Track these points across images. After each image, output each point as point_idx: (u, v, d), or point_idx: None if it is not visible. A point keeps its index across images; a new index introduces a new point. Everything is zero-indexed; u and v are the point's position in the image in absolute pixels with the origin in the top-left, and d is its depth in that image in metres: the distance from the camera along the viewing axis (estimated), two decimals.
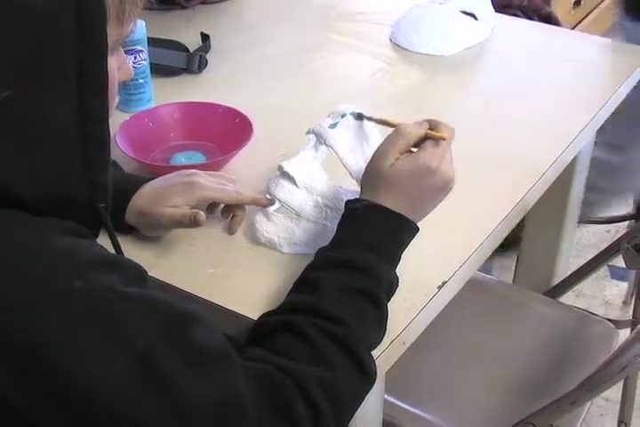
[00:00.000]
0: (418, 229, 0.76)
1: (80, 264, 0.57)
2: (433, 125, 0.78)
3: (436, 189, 0.76)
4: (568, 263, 1.49)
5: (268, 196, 0.87)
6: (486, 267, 1.63)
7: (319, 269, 0.73)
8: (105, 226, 0.65)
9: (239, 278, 0.83)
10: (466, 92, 1.20)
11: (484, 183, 0.97)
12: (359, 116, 0.85)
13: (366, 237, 0.74)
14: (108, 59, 0.59)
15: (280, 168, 0.86)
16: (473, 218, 0.92)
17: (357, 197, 0.79)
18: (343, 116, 0.86)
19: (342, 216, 0.77)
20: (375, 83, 1.21)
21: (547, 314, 1.26)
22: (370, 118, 0.85)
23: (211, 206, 0.89)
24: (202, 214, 0.81)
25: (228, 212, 0.89)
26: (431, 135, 0.76)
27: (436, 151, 0.75)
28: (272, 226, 0.86)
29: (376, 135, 0.86)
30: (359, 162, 0.84)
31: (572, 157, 1.12)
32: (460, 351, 1.17)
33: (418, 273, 0.82)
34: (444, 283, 0.82)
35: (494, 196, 0.95)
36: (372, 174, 0.77)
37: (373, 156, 0.78)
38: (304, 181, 0.85)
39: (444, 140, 0.76)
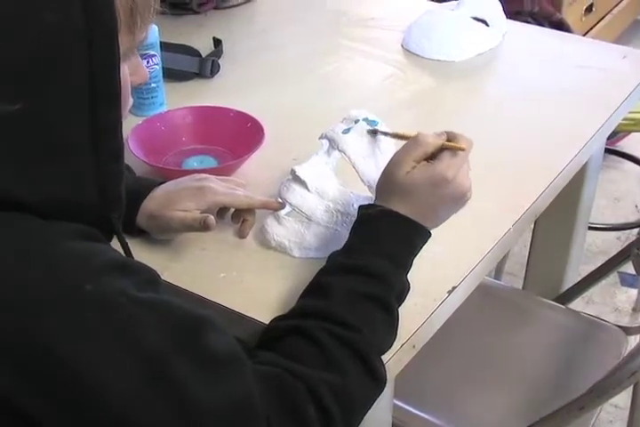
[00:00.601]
0: (430, 234, 0.77)
1: (93, 268, 0.57)
2: (451, 137, 0.78)
3: (451, 199, 0.76)
4: (578, 269, 1.49)
5: (280, 199, 0.88)
6: (496, 272, 1.62)
7: (331, 274, 0.73)
8: (116, 235, 0.65)
9: (250, 282, 0.83)
10: (477, 97, 1.20)
11: (495, 188, 0.97)
12: (373, 132, 0.85)
13: (379, 244, 0.74)
14: (121, 66, 0.59)
15: (292, 172, 0.87)
16: (483, 223, 0.92)
17: (369, 202, 0.80)
18: (357, 121, 0.87)
19: (355, 222, 0.78)
20: (386, 88, 1.21)
21: (556, 320, 1.26)
22: (385, 133, 0.85)
23: (221, 211, 0.89)
24: (212, 219, 0.82)
25: (239, 216, 0.90)
26: (449, 146, 0.77)
27: (454, 162, 0.76)
28: (282, 229, 0.87)
29: (389, 142, 0.86)
30: (371, 168, 0.84)
31: (583, 162, 1.12)
32: (470, 356, 1.17)
33: (428, 278, 0.82)
34: (454, 288, 0.82)
35: (505, 201, 0.96)
36: (387, 181, 0.77)
37: (389, 162, 0.78)
38: (316, 185, 0.86)
39: (462, 151, 0.76)
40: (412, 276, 0.75)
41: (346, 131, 0.86)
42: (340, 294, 0.70)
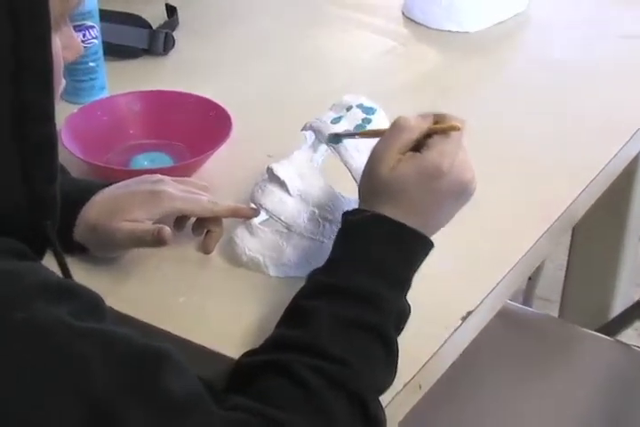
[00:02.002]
0: (432, 244, 0.79)
1: (23, 292, 0.59)
2: (439, 118, 0.79)
3: (452, 193, 0.78)
4: (628, 293, 1.51)
5: (253, 205, 0.90)
6: (525, 296, 1.64)
7: (311, 297, 0.75)
8: (51, 246, 0.66)
9: (216, 308, 0.85)
10: (497, 78, 1.23)
11: (518, 191, 1.00)
12: (334, 138, 0.87)
13: (368, 257, 0.76)
14: (52, 38, 0.60)
15: (269, 171, 0.89)
16: (504, 233, 0.94)
17: None
18: (349, 108, 0.89)
19: (339, 231, 0.80)
20: (385, 67, 1.24)
21: (601, 355, 1.28)
22: (351, 135, 0.87)
23: (180, 220, 0.91)
24: (168, 230, 0.84)
25: (202, 227, 0.92)
26: (437, 129, 0.78)
27: (447, 147, 0.77)
28: (256, 242, 0.89)
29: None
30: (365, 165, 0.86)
31: (631, 158, 1.14)
32: (494, 399, 1.18)
33: (435, 301, 0.84)
34: (469, 313, 0.84)
35: (531, 206, 0.98)
36: (370, 180, 0.78)
37: (370, 158, 0.79)
38: (298, 187, 0.88)
39: (455, 130, 0.77)
40: (416, 298, 0.77)
41: (336, 120, 0.88)
42: (325, 321, 0.72)
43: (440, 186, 0.76)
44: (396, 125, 0.78)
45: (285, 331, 0.74)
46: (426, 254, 0.78)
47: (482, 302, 0.86)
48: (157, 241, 0.84)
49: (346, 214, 0.80)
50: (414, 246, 0.77)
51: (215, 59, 1.25)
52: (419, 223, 0.77)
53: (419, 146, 0.78)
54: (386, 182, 0.77)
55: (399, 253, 0.76)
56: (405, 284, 0.76)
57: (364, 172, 0.80)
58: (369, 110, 0.89)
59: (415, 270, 0.77)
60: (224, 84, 1.17)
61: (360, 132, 0.87)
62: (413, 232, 0.77)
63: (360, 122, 0.88)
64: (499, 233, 0.94)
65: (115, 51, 1.24)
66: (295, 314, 0.75)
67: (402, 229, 0.76)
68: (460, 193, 0.78)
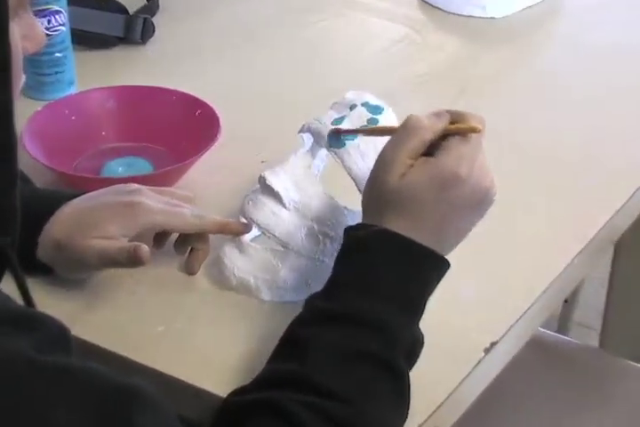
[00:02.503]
0: (448, 264, 0.79)
1: None
2: (456, 117, 0.79)
3: (470, 203, 0.78)
4: None
5: (243, 219, 0.91)
6: (560, 322, 1.64)
7: (309, 324, 0.76)
8: (10, 266, 0.67)
9: (200, 339, 0.86)
10: (525, 69, 1.24)
11: (550, 201, 1.01)
12: (336, 141, 0.87)
13: (373, 279, 0.76)
14: (9, 26, 0.60)
15: (261, 180, 0.89)
16: (534, 251, 0.95)
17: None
18: (353, 107, 0.89)
19: (340, 249, 0.80)
20: (396, 58, 1.24)
21: None
22: (354, 132, 0.87)
23: (159, 237, 0.92)
24: (145, 249, 0.84)
25: (185, 244, 0.92)
26: (454, 130, 0.78)
27: (465, 151, 0.77)
28: (247, 262, 0.89)
29: None
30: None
31: None
32: None
33: (453, 330, 0.85)
34: (493, 345, 0.84)
35: (564, 221, 0.99)
36: (377, 190, 0.79)
37: (376, 164, 0.80)
38: (294, 198, 0.89)
39: (473, 132, 0.78)
40: (430, 327, 0.77)
41: (337, 121, 0.89)
42: (324, 352, 0.72)
43: (457, 195, 0.77)
44: (407, 126, 0.79)
45: (279, 365, 0.75)
46: (441, 276, 0.78)
47: (508, 332, 0.86)
48: (133, 261, 0.84)
49: (348, 230, 0.80)
50: (427, 267, 0.77)
51: (201, 49, 1.26)
52: (432, 239, 0.77)
53: (432, 149, 0.78)
54: (394, 191, 0.77)
55: (410, 274, 0.77)
56: (417, 310, 0.77)
57: (370, 179, 0.80)
58: (375, 109, 0.89)
59: (429, 294, 0.78)
60: (211, 79, 1.17)
61: (366, 130, 0.87)
62: (426, 250, 0.77)
63: (365, 123, 0.88)
64: (527, 251, 0.94)
65: (85, 39, 1.25)
66: (290, 345, 0.76)
67: (412, 247, 0.77)
68: (479, 202, 0.79)
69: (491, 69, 1.23)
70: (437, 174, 0.76)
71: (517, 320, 0.87)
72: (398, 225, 0.77)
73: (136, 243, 0.84)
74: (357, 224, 0.80)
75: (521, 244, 0.95)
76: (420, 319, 0.77)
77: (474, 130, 0.78)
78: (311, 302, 0.78)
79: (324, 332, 0.74)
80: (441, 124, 0.79)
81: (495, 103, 1.14)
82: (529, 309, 0.89)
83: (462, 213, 0.78)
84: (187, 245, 0.92)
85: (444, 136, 0.78)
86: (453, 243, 0.80)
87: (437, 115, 0.80)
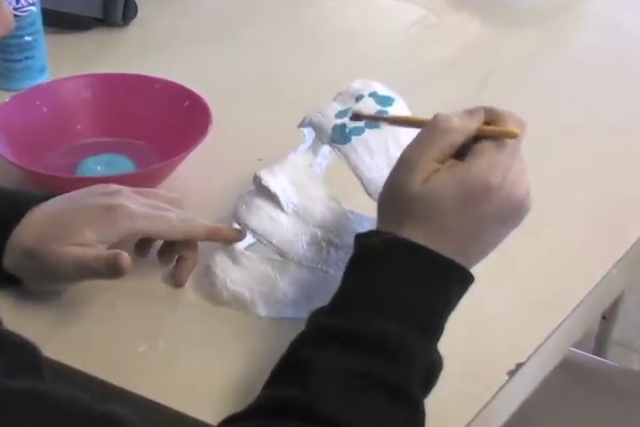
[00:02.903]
0: (472, 278, 0.79)
1: None
2: (492, 117, 0.79)
3: (501, 215, 0.78)
4: None
5: (236, 225, 0.91)
6: (597, 341, 1.64)
7: (313, 345, 0.75)
8: None
9: (188, 360, 0.86)
10: (555, 54, 1.24)
11: (584, 207, 1.01)
12: (355, 118, 0.87)
13: (386, 294, 0.76)
14: None
15: (256, 181, 0.89)
16: (566, 259, 0.95)
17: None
18: (359, 98, 0.89)
19: (350, 259, 0.80)
20: (411, 43, 1.25)
21: None
22: (376, 118, 0.87)
23: (142, 244, 0.92)
24: (126, 257, 0.84)
25: (171, 253, 0.92)
26: (489, 132, 0.78)
27: (499, 157, 0.77)
28: (241, 273, 0.89)
29: (409, 131, 0.88)
30: (382, 173, 0.86)
31: None
32: None
33: (476, 350, 0.85)
34: (519, 366, 0.84)
35: (602, 223, 0.99)
36: (396, 194, 0.79)
37: (397, 165, 0.79)
38: (294, 201, 0.88)
39: (511, 137, 0.78)
40: (449, 348, 0.77)
41: (342, 114, 0.89)
42: (329, 376, 0.72)
43: (486, 208, 0.77)
44: (435, 126, 0.78)
45: (278, 390, 0.74)
46: (463, 291, 0.78)
47: (536, 352, 0.86)
48: (113, 271, 0.84)
49: (359, 237, 0.80)
50: (449, 281, 0.77)
51: (189, 32, 1.26)
52: (455, 251, 0.77)
53: (462, 151, 0.78)
54: (416, 198, 0.77)
55: (428, 289, 0.76)
56: (436, 330, 0.76)
57: (388, 181, 0.80)
58: (385, 100, 0.89)
59: (450, 312, 0.77)
60: (201, 66, 1.17)
61: (389, 118, 0.87)
62: (447, 262, 0.77)
63: (374, 115, 0.89)
64: (559, 260, 0.94)
65: (59, 21, 1.25)
66: (291, 368, 0.75)
67: (432, 258, 0.77)
68: (511, 215, 0.79)
69: (517, 54, 1.23)
70: (466, 182, 0.76)
71: (546, 339, 0.87)
72: (417, 234, 0.77)
73: (116, 251, 0.84)
74: (370, 231, 0.80)
75: (551, 251, 0.95)
76: (438, 340, 0.77)
77: (510, 135, 0.77)
78: (315, 318, 0.78)
79: (329, 353, 0.73)
80: (474, 125, 0.78)
81: (523, 92, 1.14)
82: (560, 326, 0.89)
83: (491, 227, 0.79)
84: (173, 253, 0.92)
85: (477, 138, 0.78)
86: (479, 256, 0.80)
87: (471, 113, 0.79)
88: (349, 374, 0.72)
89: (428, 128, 0.79)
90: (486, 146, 0.77)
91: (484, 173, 0.76)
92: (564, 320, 0.89)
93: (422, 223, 0.77)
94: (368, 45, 1.25)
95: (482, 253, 0.80)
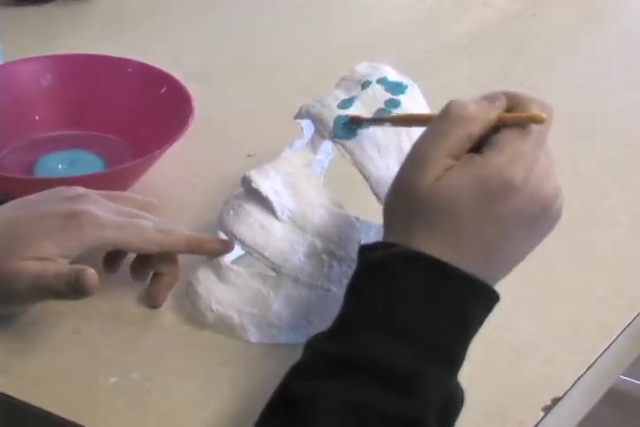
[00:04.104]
0: (497, 296, 0.78)
1: None
2: (515, 101, 0.80)
3: (527, 219, 0.78)
4: None
5: (222, 234, 0.90)
6: None
7: (312, 376, 0.75)
8: None
9: (166, 394, 0.85)
10: (598, 29, 1.25)
11: (633, 213, 1.01)
12: (354, 123, 0.88)
13: (396, 316, 0.76)
14: None
15: (245, 182, 0.89)
16: (612, 273, 0.95)
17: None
18: (366, 85, 0.90)
19: (353, 275, 0.79)
20: (427, 16, 1.25)
21: None
22: (377, 122, 0.87)
23: (112, 258, 0.92)
24: (92, 274, 0.83)
25: (146, 268, 0.92)
26: (511, 120, 0.78)
27: (523, 148, 0.77)
28: (228, 292, 0.89)
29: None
30: (393, 172, 0.86)
31: None
32: None
33: (503, 383, 0.84)
34: (556, 401, 0.84)
35: None
36: (404, 197, 0.79)
37: (405, 162, 0.80)
38: (289, 207, 0.88)
39: (537, 122, 0.77)
40: (474, 380, 0.77)
41: (346, 103, 0.89)
42: (330, 413, 0.72)
43: (509, 206, 0.76)
44: (449, 115, 0.78)
45: None
46: (487, 312, 0.78)
47: (576, 384, 0.86)
48: (76, 290, 0.83)
49: (363, 250, 0.80)
50: (468, 301, 0.77)
51: (168, 5, 1.26)
52: (476, 263, 0.77)
53: (481, 144, 0.78)
54: (426, 199, 0.77)
55: (445, 310, 0.76)
56: (455, 358, 0.76)
57: (395, 182, 0.80)
58: (396, 88, 0.90)
59: (472, 337, 0.77)
60: (181, 46, 1.17)
61: (392, 118, 0.87)
62: (467, 278, 0.76)
63: (383, 106, 0.89)
64: (603, 274, 0.94)
65: None
66: (287, 404, 0.75)
67: (448, 275, 0.76)
68: (539, 217, 0.78)
69: (553, 30, 1.23)
70: (483, 179, 0.76)
71: (588, 368, 0.87)
72: (429, 244, 0.77)
73: (79, 267, 0.84)
74: (375, 242, 0.80)
75: (591, 264, 0.95)
76: (459, 370, 0.76)
77: (535, 119, 0.77)
78: (314, 345, 0.77)
79: (330, 385, 0.73)
80: (493, 113, 0.78)
81: (558, 75, 1.14)
82: (604, 352, 0.89)
83: (516, 233, 0.78)
84: (148, 268, 0.92)
85: (497, 128, 0.78)
86: (505, 269, 0.80)
87: (490, 99, 0.79)
88: (354, 410, 0.72)
89: (440, 118, 0.79)
90: (507, 135, 0.77)
91: (504, 167, 0.76)
92: (609, 346, 0.89)
93: (435, 230, 0.77)
94: (375, 20, 1.25)
95: (507, 266, 0.80)
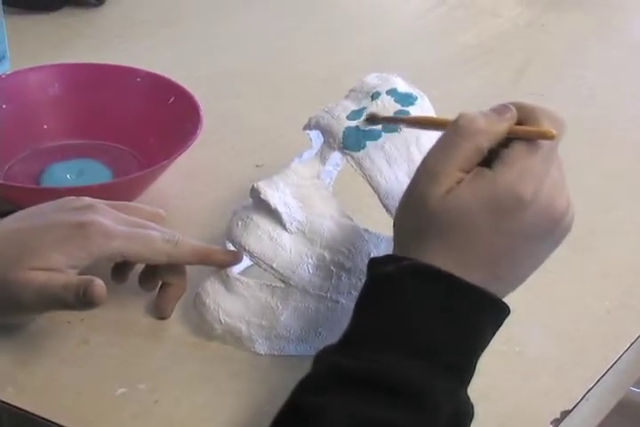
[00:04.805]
0: (508, 309, 0.78)
1: None
2: (524, 114, 0.80)
3: (537, 233, 0.78)
4: None
5: (230, 245, 0.90)
6: None
7: (320, 390, 0.75)
8: None
9: (173, 405, 0.85)
10: (608, 40, 1.24)
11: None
12: (370, 121, 0.88)
13: (406, 330, 0.76)
14: None
15: (254, 193, 0.89)
16: (622, 283, 0.95)
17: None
18: (375, 96, 0.90)
19: (363, 288, 0.79)
20: (435, 26, 1.25)
21: None
22: (395, 120, 0.87)
23: (120, 269, 0.92)
24: (100, 286, 0.83)
25: (154, 278, 0.92)
26: (521, 133, 0.78)
27: (532, 163, 0.77)
28: (236, 303, 0.89)
29: (432, 134, 0.89)
30: (402, 184, 0.86)
31: None
32: None
33: (512, 396, 0.84)
34: (566, 414, 0.84)
35: None
36: (414, 210, 0.79)
37: (416, 175, 0.80)
38: (298, 218, 0.89)
39: (547, 138, 0.78)
40: (478, 390, 0.77)
41: (355, 115, 0.89)
42: (338, 425, 0.71)
43: (519, 221, 0.77)
44: (458, 129, 0.79)
45: None
46: (497, 326, 0.78)
47: (586, 396, 0.86)
48: (84, 302, 0.83)
49: (374, 263, 0.80)
50: (479, 315, 0.77)
51: (177, 14, 1.26)
52: (487, 277, 0.77)
53: (490, 157, 0.78)
54: (437, 212, 0.77)
55: (455, 325, 0.76)
56: (465, 371, 0.76)
57: (405, 196, 0.80)
58: (406, 99, 0.90)
59: (481, 351, 0.77)
60: (190, 55, 1.17)
61: (408, 119, 0.87)
62: (478, 292, 0.77)
63: (392, 116, 0.89)
64: (612, 284, 0.94)
65: (20, 0, 1.25)
66: (294, 415, 0.75)
67: (459, 288, 0.77)
68: (549, 231, 0.79)
69: (562, 41, 1.23)
70: (494, 194, 0.77)
71: (598, 380, 0.87)
72: (440, 258, 0.77)
73: (88, 278, 0.84)
74: (385, 256, 0.80)
75: (601, 275, 0.95)
76: (469, 384, 0.76)
77: (545, 135, 0.77)
78: (324, 358, 0.77)
79: (339, 399, 0.73)
80: (503, 125, 0.79)
81: (569, 85, 1.14)
82: (614, 364, 0.89)
83: (527, 246, 0.79)
84: (156, 279, 0.92)
85: (508, 140, 0.78)
86: (514, 283, 0.80)
87: (499, 112, 0.79)
88: (361, 424, 0.72)
89: (450, 132, 0.79)
90: (516, 150, 0.78)
91: (514, 183, 0.76)
92: (619, 357, 0.89)
93: (445, 243, 0.78)
94: (384, 31, 1.25)
95: (517, 279, 0.80)
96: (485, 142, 0.78)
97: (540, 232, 0.78)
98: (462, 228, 0.77)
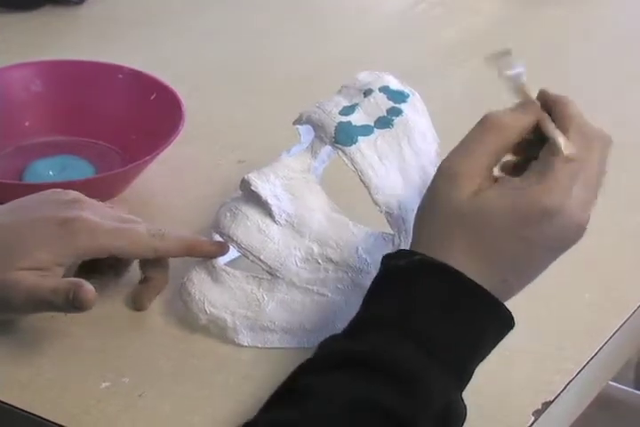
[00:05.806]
0: (513, 323, 0.79)
1: None
2: (554, 103, 0.81)
3: (552, 243, 0.79)
4: None
5: (217, 236, 0.91)
6: (638, 374, 1.63)
7: (320, 368, 0.76)
8: None
9: (157, 398, 0.85)
10: (593, 37, 1.25)
11: (618, 222, 1.02)
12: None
13: (414, 320, 0.77)
14: None
15: (244, 185, 0.90)
16: (601, 277, 0.96)
17: (390, 244, 0.84)
18: (367, 93, 0.91)
19: (375, 280, 0.81)
20: (416, 25, 1.25)
21: None
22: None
23: (108, 266, 0.92)
24: (89, 290, 0.83)
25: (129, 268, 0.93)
26: (546, 132, 0.79)
27: (563, 176, 0.77)
28: (222, 294, 0.90)
29: (425, 124, 0.90)
30: (393, 179, 0.89)
31: None
32: None
33: (494, 388, 0.85)
34: (547, 405, 0.85)
35: None
36: (439, 209, 0.80)
37: (438, 175, 0.80)
38: (287, 210, 0.89)
39: (557, 154, 0.78)
40: (470, 385, 0.78)
41: (347, 110, 0.90)
42: (332, 400, 0.73)
43: (541, 232, 0.78)
44: (484, 127, 0.80)
45: (275, 413, 0.75)
46: (500, 336, 0.79)
47: (566, 388, 0.87)
48: (74, 306, 0.83)
49: (387, 258, 0.81)
50: (487, 317, 0.78)
51: (159, 11, 1.27)
52: (493, 278, 0.78)
53: (517, 152, 0.81)
54: (462, 211, 0.78)
55: (459, 322, 0.77)
56: (461, 371, 0.77)
57: (428, 195, 0.81)
58: (398, 96, 0.91)
59: (481, 357, 0.78)
60: (172, 51, 1.18)
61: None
62: (488, 297, 0.78)
63: (385, 114, 0.90)
64: (591, 283, 0.96)
65: None
66: (290, 392, 0.76)
67: (472, 290, 0.78)
68: (567, 245, 0.80)
69: (544, 38, 1.24)
70: (520, 202, 0.78)
71: (578, 373, 0.88)
72: (457, 257, 0.78)
73: (77, 281, 0.84)
74: (398, 251, 0.81)
75: (582, 271, 0.96)
76: (464, 388, 0.78)
77: (558, 151, 0.77)
78: (327, 342, 0.78)
79: (336, 379, 0.74)
80: (529, 119, 0.80)
81: (555, 80, 1.11)
82: (594, 356, 0.90)
83: (540, 255, 0.80)
84: (142, 272, 0.93)
85: (535, 130, 0.80)
86: (522, 285, 0.81)
87: (524, 106, 0.81)
88: (356, 401, 0.73)
89: (475, 130, 0.80)
90: (548, 161, 0.78)
91: (542, 196, 0.77)
92: (598, 350, 0.90)
93: (464, 246, 0.79)
94: (365, 27, 1.26)
95: (526, 281, 0.81)
96: (511, 138, 0.80)
97: (558, 244, 0.80)
98: (484, 229, 0.78)
